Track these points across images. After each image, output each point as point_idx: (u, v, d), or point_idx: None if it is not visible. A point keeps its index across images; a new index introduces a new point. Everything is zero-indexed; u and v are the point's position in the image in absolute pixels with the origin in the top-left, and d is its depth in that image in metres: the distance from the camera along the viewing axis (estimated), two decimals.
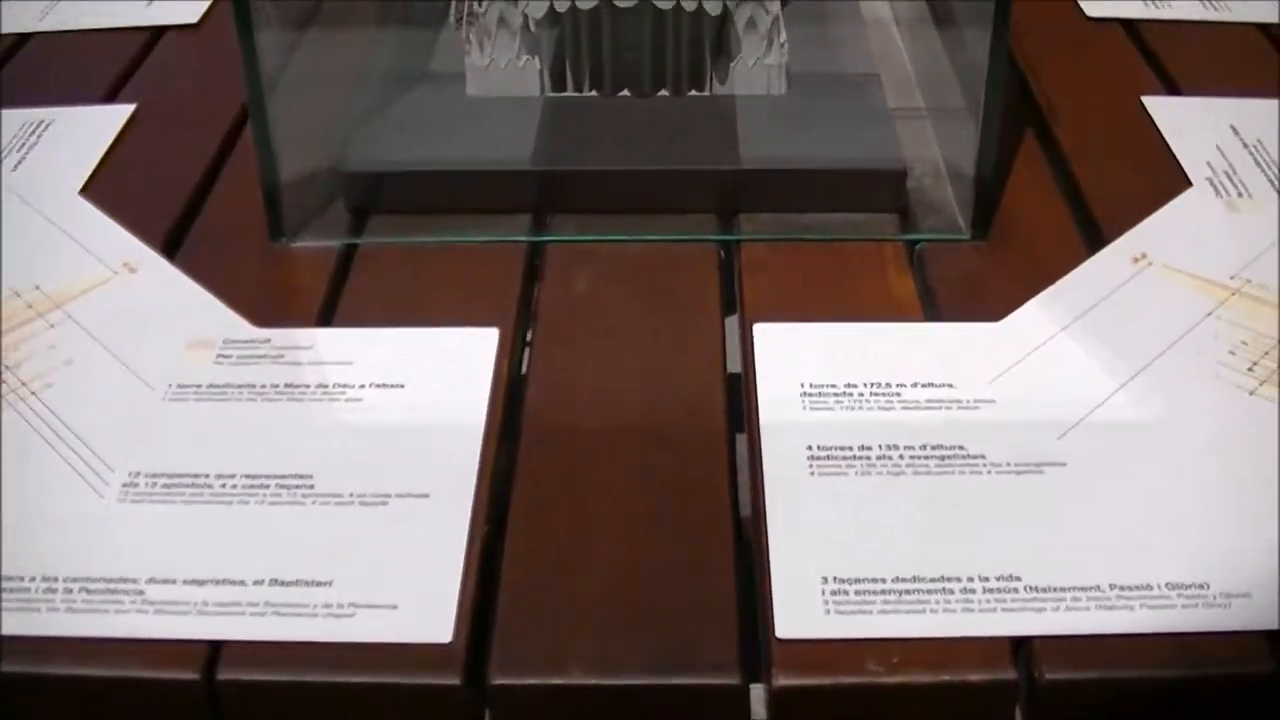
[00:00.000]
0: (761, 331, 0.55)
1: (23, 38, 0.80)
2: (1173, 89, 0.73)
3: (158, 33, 0.80)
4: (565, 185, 0.63)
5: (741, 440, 0.51)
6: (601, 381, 0.53)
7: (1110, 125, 0.70)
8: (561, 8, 0.64)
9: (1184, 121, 0.69)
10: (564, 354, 0.55)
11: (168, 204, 0.64)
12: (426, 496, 0.47)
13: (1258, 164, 0.66)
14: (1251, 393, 0.52)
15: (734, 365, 0.55)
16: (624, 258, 0.60)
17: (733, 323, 0.57)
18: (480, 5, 0.66)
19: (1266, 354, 0.54)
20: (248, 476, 0.48)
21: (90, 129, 0.70)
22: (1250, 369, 0.53)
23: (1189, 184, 0.64)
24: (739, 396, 0.53)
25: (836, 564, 0.45)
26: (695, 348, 0.55)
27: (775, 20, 0.66)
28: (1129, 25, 0.80)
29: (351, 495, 0.48)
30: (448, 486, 0.48)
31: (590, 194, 0.63)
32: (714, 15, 0.64)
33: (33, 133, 0.69)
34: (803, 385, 0.53)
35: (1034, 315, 0.56)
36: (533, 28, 0.66)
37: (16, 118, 0.70)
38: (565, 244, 0.61)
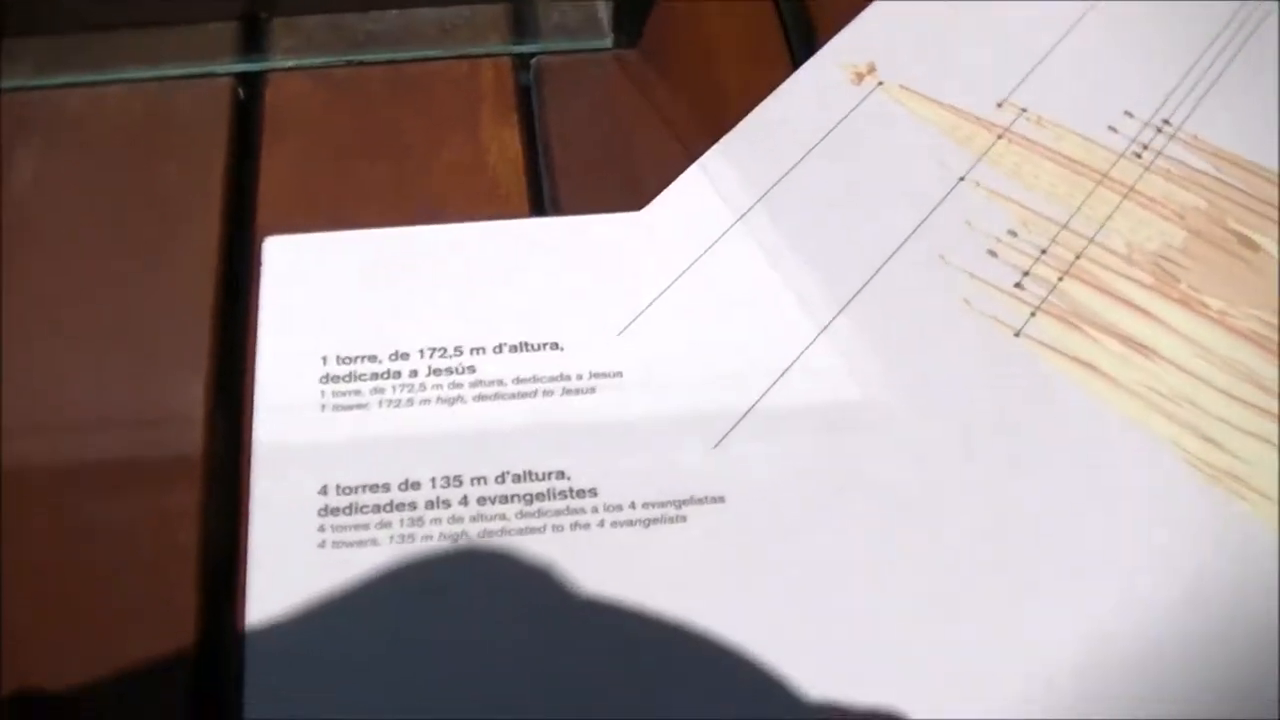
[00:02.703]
0: (275, 252, 0.35)
1: None
2: None
3: None
4: None
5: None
6: (13, 363, 0.33)
7: None
8: None
9: None
10: None
11: None
12: None
13: None
14: (1018, 333, 0.34)
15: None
16: (98, 116, 0.39)
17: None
18: None
19: (1044, 253, 0.35)
20: None
21: None
22: (1018, 284, 0.35)
23: None
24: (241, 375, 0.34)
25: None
26: (174, 288, 0.35)
27: None
28: None
29: None
30: None
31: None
32: None
33: None
34: (325, 359, 0.33)
35: (697, 193, 0.37)
36: None
37: None
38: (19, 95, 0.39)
